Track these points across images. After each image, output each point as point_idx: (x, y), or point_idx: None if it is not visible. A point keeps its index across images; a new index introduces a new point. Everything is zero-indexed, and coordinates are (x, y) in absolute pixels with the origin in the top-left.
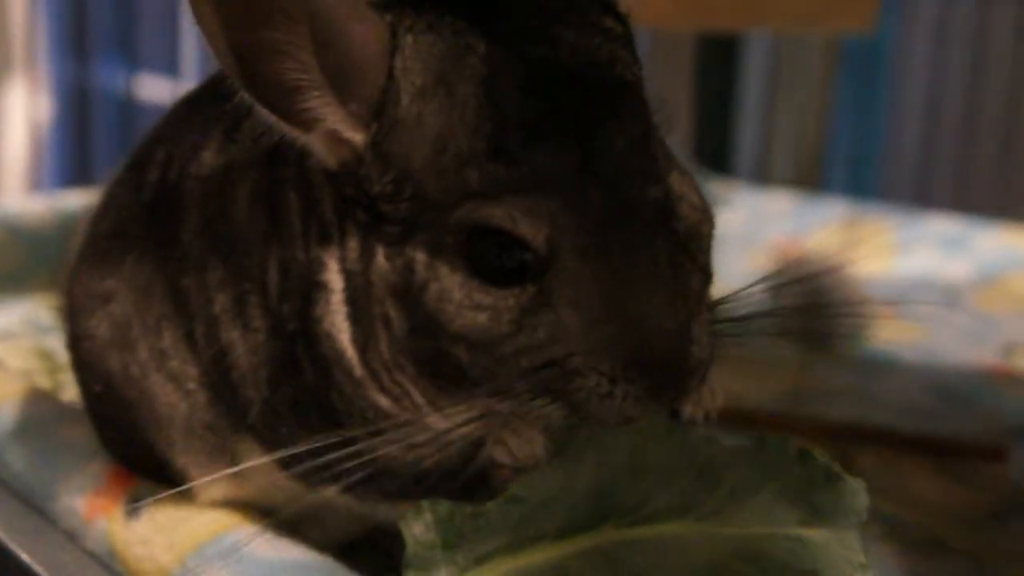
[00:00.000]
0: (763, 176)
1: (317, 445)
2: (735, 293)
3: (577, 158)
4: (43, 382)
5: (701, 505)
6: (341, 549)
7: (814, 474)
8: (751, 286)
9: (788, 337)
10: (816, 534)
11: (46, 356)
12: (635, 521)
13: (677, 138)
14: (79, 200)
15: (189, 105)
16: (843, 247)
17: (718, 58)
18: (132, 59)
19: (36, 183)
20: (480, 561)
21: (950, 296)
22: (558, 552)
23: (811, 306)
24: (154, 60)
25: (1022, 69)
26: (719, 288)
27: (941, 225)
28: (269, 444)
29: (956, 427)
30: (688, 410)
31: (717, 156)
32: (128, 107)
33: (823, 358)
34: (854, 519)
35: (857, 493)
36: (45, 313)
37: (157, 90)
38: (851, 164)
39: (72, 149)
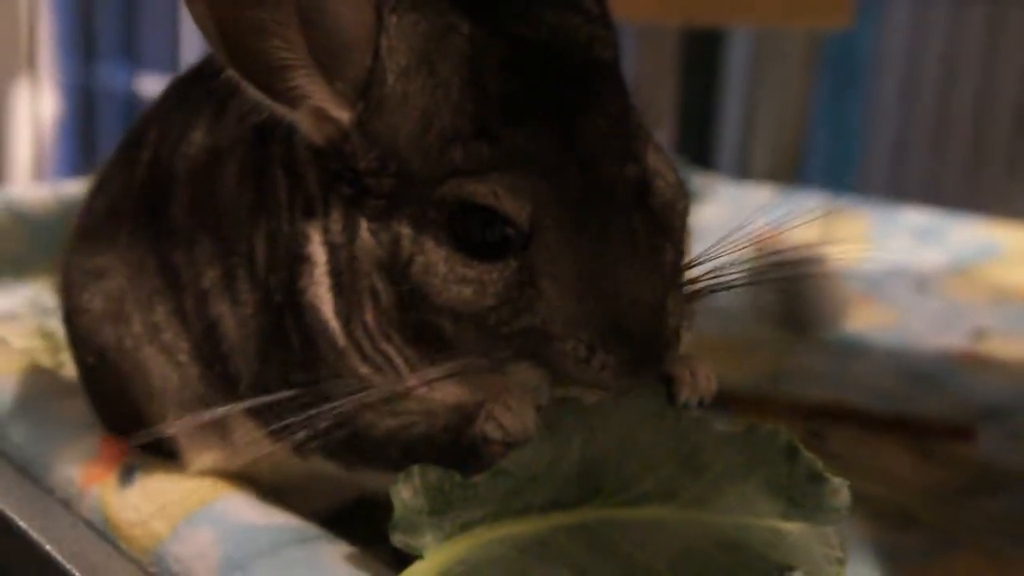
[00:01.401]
0: (744, 170)
1: (306, 416)
2: (706, 259)
3: (558, 137)
4: (45, 360)
5: (685, 491)
6: (328, 517)
7: (799, 470)
8: (723, 258)
9: (769, 319)
10: (795, 528)
11: (48, 336)
12: (620, 502)
13: (662, 133)
14: (81, 188)
15: (180, 87)
16: (821, 238)
17: (701, 56)
18: (135, 59)
19: (43, 177)
20: (465, 528)
21: (922, 284)
22: (543, 525)
23: (790, 291)
24: (155, 60)
25: (992, 70)
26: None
27: (914, 217)
28: (257, 415)
29: (927, 408)
30: (684, 394)
31: (700, 151)
32: (131, 104)
33: (801, 341)
34: (835, 516)
35: (839, 491)
36: (48, 295)
37: (158, 88)
38: (829, 159)
39: (78, 144)
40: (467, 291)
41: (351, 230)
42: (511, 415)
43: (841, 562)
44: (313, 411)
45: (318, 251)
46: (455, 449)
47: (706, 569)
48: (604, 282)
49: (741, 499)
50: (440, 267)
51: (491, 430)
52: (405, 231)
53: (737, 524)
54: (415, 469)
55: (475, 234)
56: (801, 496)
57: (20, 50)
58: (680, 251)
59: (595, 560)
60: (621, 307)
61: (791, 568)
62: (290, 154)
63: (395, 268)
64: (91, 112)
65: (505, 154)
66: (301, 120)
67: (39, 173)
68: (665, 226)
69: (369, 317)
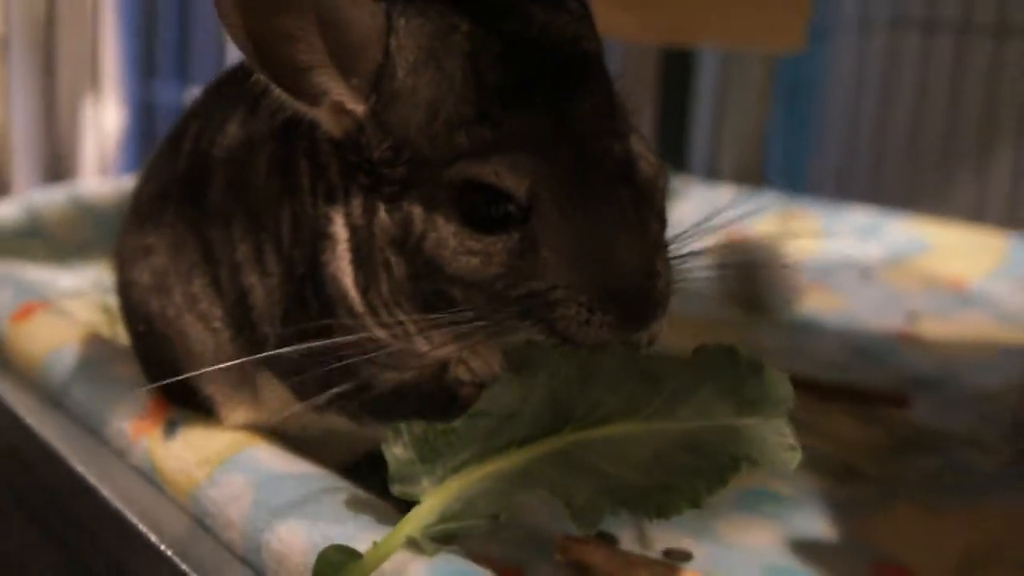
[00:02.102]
0: (713, 173)
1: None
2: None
3: (551, 120)
4: (104, 331)
5: (646, 406)
6: (344, 468)
7: (742, 369)
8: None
9: (731, 301)
10: (749, 423)
11: (107, 310)
12: (588, 425)
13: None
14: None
15: (218, 88)
16: (778, 232)
17: (677, 74)
18: (186, 77)
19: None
20: (456, 470)
21: (864, 273)
22: (522, 457)
23: (751, 277)
24: (202, 77)
25: (925, 89)
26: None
27: (857, 216)
28: (283, 375)
29: (868, 378)
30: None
31: (675, 155)
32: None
33: (760, 320)
34: (781, 407)
35: (781, 382)
36: (108, 276)
37: None
38: (785, 164)
39: (138, 149)
40: (475, 261)
41: (370, 213)
42: (477, 359)
43: (794, 448)
44: (321, 364)
45: (340, 231)
46: (438, 394)
47: (673, 470)
48: (598, 249)
49: (697, 406)
50: (450, 241)
51: (462, 373)
52: (417, 211)
53: (697, 428)
54: (402, 426)
55: (480, 210)
56: (749, 392)
57: (88, 69)
58: (663, 222)
59: (573, 479)
60: (615, 271)
61: (750, 458)
62: (313, 147)
63: (408, 244)
64: (149, 121)
65: (504, 137)
66: (322, 115)
67: (104, 174)
68: (648, 200)
69: (384, 287)
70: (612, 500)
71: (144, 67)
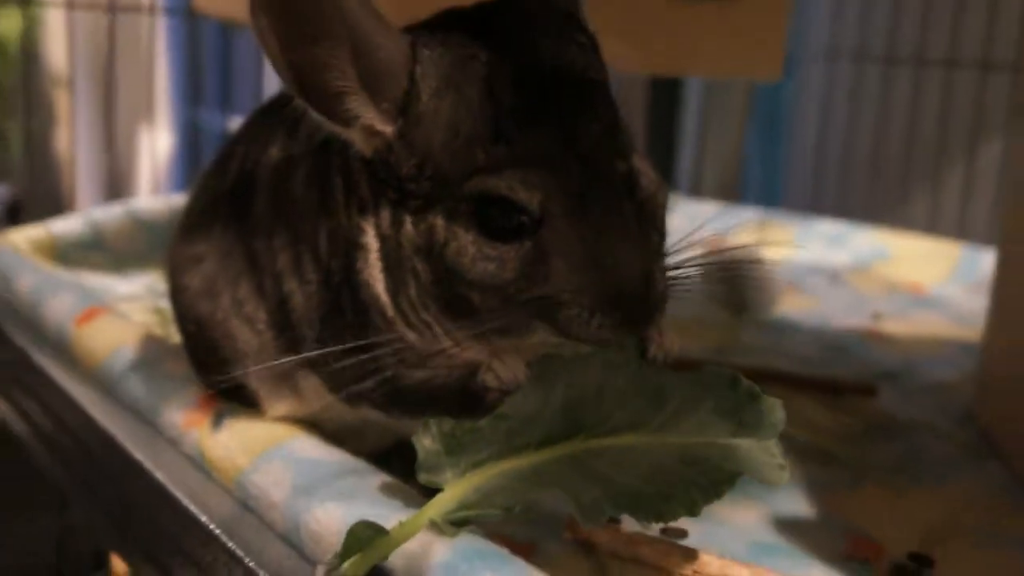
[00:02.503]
0: (697, 190)
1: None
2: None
3: (561, 139)
4: (157, 331)
5: (651, 421)
6: (374, 457)
7: (741, 395)
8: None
9: (717, 303)
10: (743, 443)
11: (160, 313)
12: (598, 434)
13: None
14: (185, 198)
15: (260, 115)
16: (756, 241)
17: (664, 100)
18: (228, 105)
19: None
20: (476, 465)
21: (833, 278)
22: (537, 458)
23: (734, 282)
24: (243, 106)
25: (886, 114)
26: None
27: (826, 227)
28: (320, 371)
29: (839, 371)
30: (652, 350)
31: (662, 173)
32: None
33: (742, 320)
34: (773, 431)
35: (775, 409)
36: (160, 282)
37: None
38: (761, 181)
39: (186, 170)
40: (491, 267)
41: (397, 224)
42: (505, 367)
43: (783, 467)
44: (355, 361)
45: (371, 241)
46: (465, 396)
47: (673, 481)
48: (602, 257)
49: (697, 423)
50: (469, 249)
51: (490, 380)
52: (439, 222)
53: (696, 443)
54: (431, 421)
55: (496, 221)
56: (745, 416)
57: (143, 101)
58: (662, 235)
59: (582, 482)
60: (617, 277)
61: (743, 473)
62: (346, 165)
63: (432, 252)
64: (195, 145)
65: (518, 154)
66: (354, 136)
67: (157, 192)
68: (649, 214)
69: (412, 292)
70: (616, 503)
71: (191, 97)
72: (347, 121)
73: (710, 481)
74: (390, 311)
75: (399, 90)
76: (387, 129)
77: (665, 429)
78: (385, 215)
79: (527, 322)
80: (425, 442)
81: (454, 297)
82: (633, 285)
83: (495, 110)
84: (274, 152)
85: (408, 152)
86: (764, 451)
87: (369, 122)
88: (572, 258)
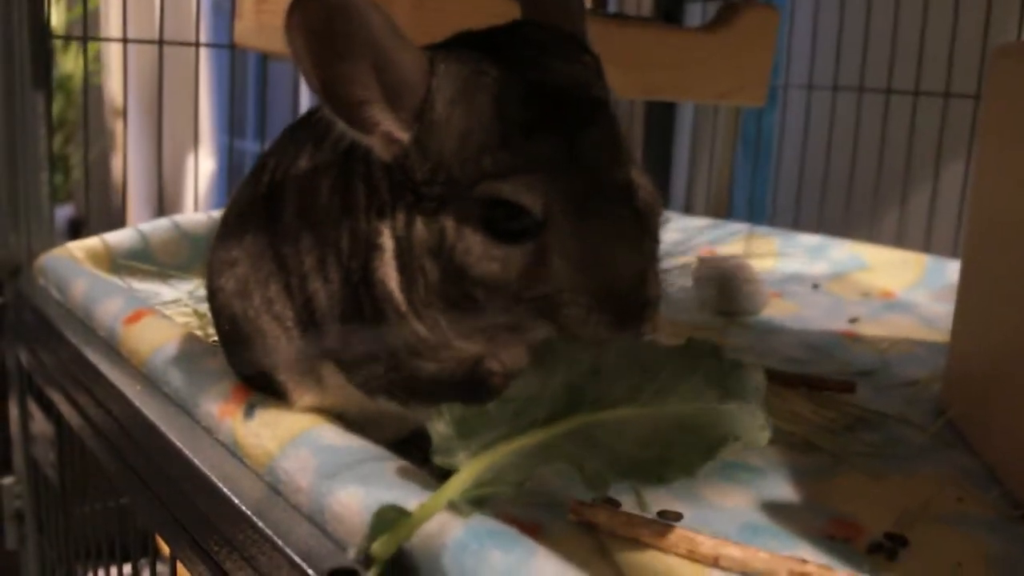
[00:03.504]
0: (689, 206)
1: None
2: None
3: (564, 149)
4: (197, 331)
5: (645, 393)
6: (392, 445)
7: (725, 364)
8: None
9: (707, 307)
10: (729, 407)
11: (201, 316)
12: (597, 408)
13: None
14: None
15: (290, 131)
16: (744, 252)
17: (659, 123)
18: (264, 135)
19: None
20: (487, 446)
21: (814, 285)
22: (544, 436)
23: (724, 288)
24: (279, 133)
25: (859, 138)
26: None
27: (808, 239)
28: (340, 364)
29: (820, 369)
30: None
31: (659, 191)
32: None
33: (732, 323)
34: (756, 395)
35: (756, 375)
36: (200, 289)
37: None
38: (748, 199)
39: (228, 192)
40: (495, 266)
41: (410, 226)
42: (508, 353)
43: (765, 428)
44: (372, 353)
45: (387, 242)
46: (473, 382)
47: (669, 445)
48: (600, 258)
49: (687, 393)
50: (476, 249)
51: (494, 365)
52: (449, 223)
53: (687, 411)
54: (444, 408)
55: (502, 223)
56: (729, 382)
57: (189, 131)
58: (656, 241)
59: (585, 453)
60: (613, 278)
61: (732, 435)
62: (368, 171)
63: (442, 252)
64: (235, 170)
65: (523, 161)
66: (375, 143)
67: (200, 210)
68: (645, 222)
69: (421, 289)
70: (618, 470)
71: (232, 128)
72: (369, 129)
73: (704, 444)
74: (403, 307)
75: (416, 101)
76: (404, 136)
77: (658, 399)
78: (400, 217)
79: (529, 320)
80: (439, 427)
81: (460, 294)
82: (628, 285)
83: (503, 120)
84: (302, 164)
85: (423, 158)
86: (749, 413)
87: (388, 129)
88: (572, 259)
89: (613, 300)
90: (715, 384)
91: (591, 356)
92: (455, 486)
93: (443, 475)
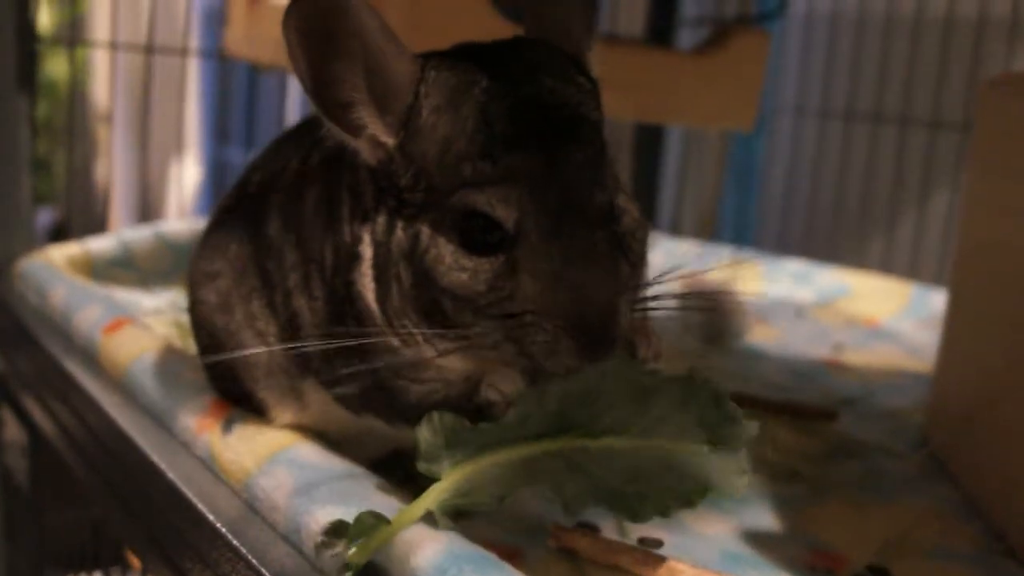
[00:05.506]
0: (676, 229)
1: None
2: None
3: (543, 164)
4: (177, 342)
5: (636, 425)
6: (372, 464)
7: (722, 411)
8: (664, 282)
9: (692, 332)
10: (716, 455)
11: (180, 326)
12: (586, 435)
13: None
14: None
15: (275, 145)
16: (729, 278)
17: (648, 146)
18: (251, 143)
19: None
20: (473, 456)
21: (799, 312)
22: (530, 451)
23: (708, 314)
24: (265, 143)
25: (846, 164)
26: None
27: (792, 265)
28: (325, 382)
29: (804, 396)
30: (642, 351)
31: (645, 213)
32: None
33: (716, 349)
34: (742, 444)
35: (749, 428)
36: (182, 299)
37: None
38: (734, 223)
39: (212, 201)
40: (463, 276)
41: (390, 231)
42: (506, 382)
43: (743, 472)
44: (354, 370)
45: (367, 249)
46: (472, 413)
47: (650, 484)
48: (569, 282)
49: (677, 431)
50: (447, 258)
51: (493, 395)
52: (425, 230)
53: (674, 449)
54: (434, 414)
55: (476, 234)
56: (722, 429)
57: (175, 137)
58: (635, 268)
59: (568, 476)
60: (580, 301)
61: (711, 484)
62: (354, 177)
63: (414, 257)
64: (221, 178)
65: (501, 173)
66: (361, 145)
67: (184, 218)
68: (625, 247)
69: (395, 297)
70: (596, 498)
71: (218, 135)
72: (356, 131)
73: (683, 490)
74: (380, 320)
75: (403, 106)
76: (390, 141)
77: (646, 433)
78: (381, 221)
79: (496, 338)
80: (427, 433)
81: (430, 302)
82: (596, 312)
83: (486, 131)
84: (286, 178)
85: (406, 163)
86: (732, 460)
87: (374, 133)
88: (539, 277)
89: (580, 327)
90: (707, 428)
91: (589, 378)
92: (435, 493)
93: (422, 492)
